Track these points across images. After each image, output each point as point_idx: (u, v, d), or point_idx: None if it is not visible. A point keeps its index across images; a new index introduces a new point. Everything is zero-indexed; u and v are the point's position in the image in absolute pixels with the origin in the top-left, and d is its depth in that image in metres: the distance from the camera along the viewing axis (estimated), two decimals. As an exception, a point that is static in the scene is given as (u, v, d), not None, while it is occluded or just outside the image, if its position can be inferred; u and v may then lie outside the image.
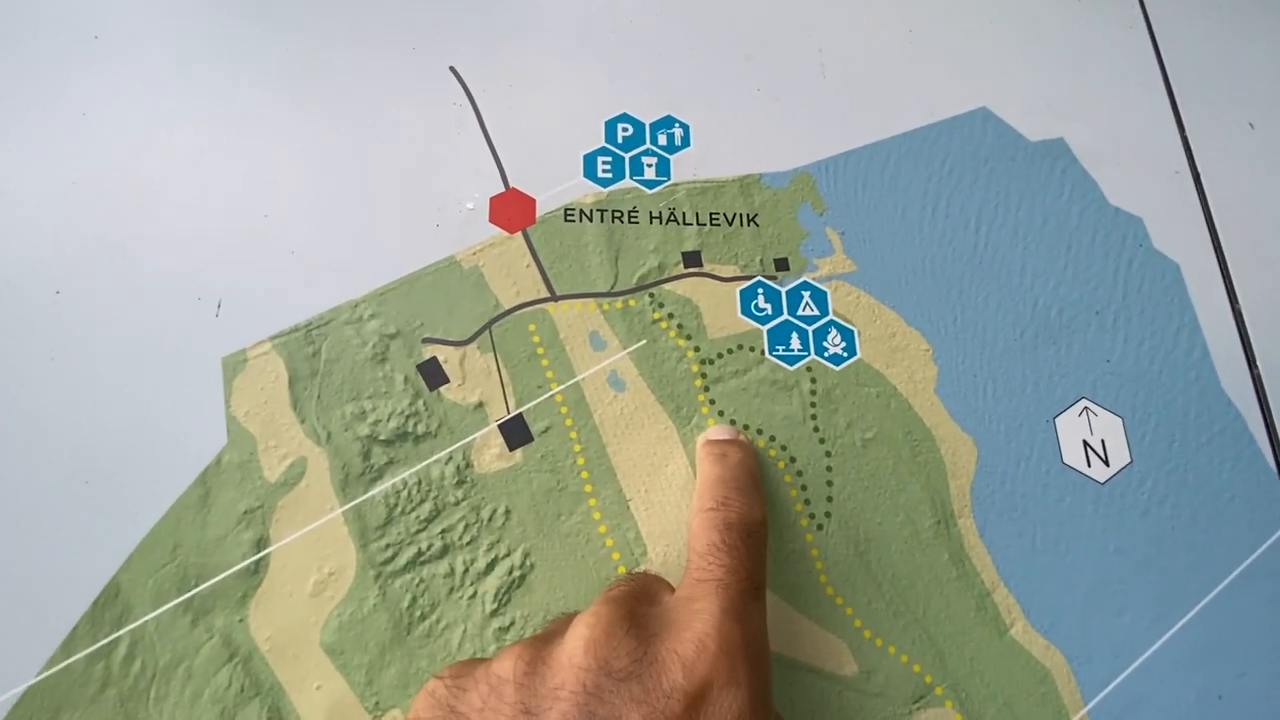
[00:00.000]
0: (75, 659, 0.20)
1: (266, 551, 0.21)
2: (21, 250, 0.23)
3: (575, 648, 0.16)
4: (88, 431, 0.22)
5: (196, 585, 0.21)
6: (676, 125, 0.28)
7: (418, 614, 0.21)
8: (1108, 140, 0.30)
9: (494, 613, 0.21)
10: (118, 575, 0.20)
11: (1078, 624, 0.23)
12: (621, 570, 0.22)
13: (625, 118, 0.28)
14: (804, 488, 0.24)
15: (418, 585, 0.21)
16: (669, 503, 0.23)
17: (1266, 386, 0.27)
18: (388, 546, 0.22)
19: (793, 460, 0.24)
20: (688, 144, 0.28)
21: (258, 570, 0.21)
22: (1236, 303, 0.28)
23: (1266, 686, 0.23)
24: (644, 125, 0.28)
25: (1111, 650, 0.23)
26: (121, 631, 0.20)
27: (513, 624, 0.21)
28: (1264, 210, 0.30)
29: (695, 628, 0.17)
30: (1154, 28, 0.33)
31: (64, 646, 0.20)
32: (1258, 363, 0.27)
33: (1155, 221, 0.29)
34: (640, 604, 0.18)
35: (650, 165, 0.27)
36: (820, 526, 0.23)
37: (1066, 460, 0.25)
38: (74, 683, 0.20)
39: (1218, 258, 0.29)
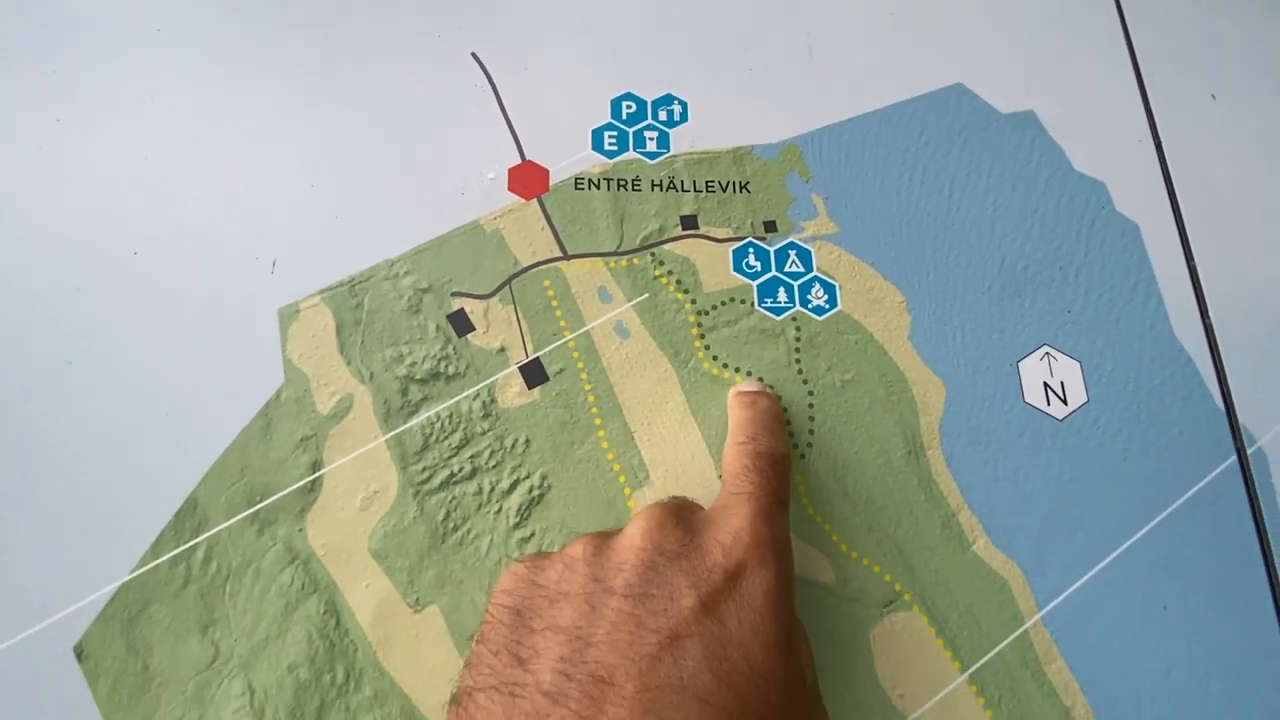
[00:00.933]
0: (161, 560, 0.23)
1: (320, 473, 0.24)
2: (102, 218, 0.27)
3: (634, 534, 0.20)
4: (167, 372, 0.25)
5: (262, 500, 0.24)
6: (675, 102, 0.31)
7: (451, 526, 0.24)
8: (1075, 112, 0.32)
9: (516, 525, 0.25)
10: (195, 491, 0.24)
11: (1034, 542, 0.26)
12: (627, 491, 0.25)
13: (629, 96, 0.31)
14: (788, 422, 0.27)
15: (451, 502, 0.25)
16: (668, 434, 0.26)
17: (1217, 334, 0.30)
18: (424, 469, 0.25)
19: (779, 398, 0.27)
20: (686, 119, 0.31)
21: (313, 489, 0.24)
22: (1192, 259, 0.31)
23: (1207, 598, 0.26)
24: (646, 103, 0.31)
25: (1064, 565, 0.26)
26: (200, 538, 0.24)
27: (533, 535, 0.25)
28: (1221, 175, 0.32)
29: (732, 524, 0.21)
30: (1122, 6, 0.35)
31: (152, 550, 0.23)
32: (1210, 313, 0.30)
33: (1118, 186, 0.31)
34: (684, 511, 0.21)
35: (652, 139, 0.30)
36: (803, 455, 0.26)
37: (1028, 399, 0.28)
38: (160, 580, 0.23)
39: (1175, 219, 0.31)
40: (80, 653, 0.22)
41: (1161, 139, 0.32)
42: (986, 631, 0.25)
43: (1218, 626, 0.26)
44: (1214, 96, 0.34)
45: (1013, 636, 0.25)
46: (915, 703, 0.24)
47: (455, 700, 0.18)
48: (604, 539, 0.20)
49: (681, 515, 0.21)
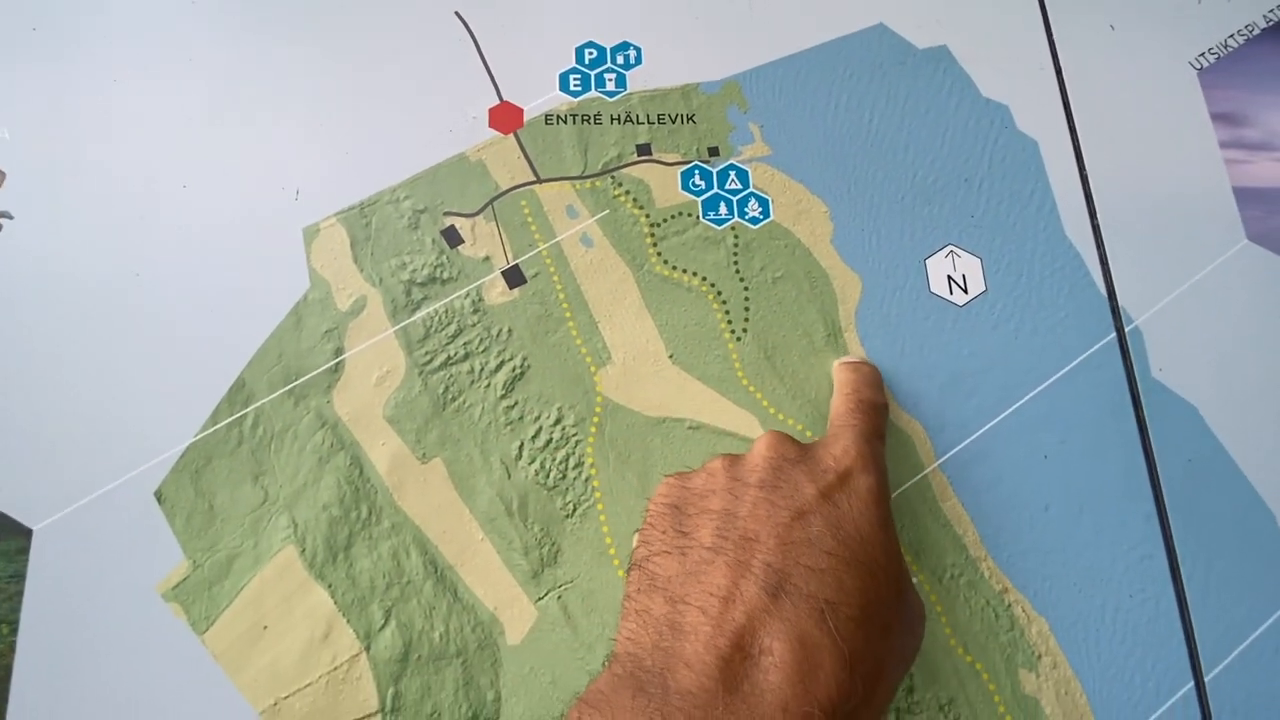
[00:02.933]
0: (219, 426, 0.29)
1: (342, 357, 0.30)
2: (158, 160, 0.33)
3: (761, 447, 0.26)
4: (217, 280, 0.31)
5: (296, 380, 0.30)
6: (631, 48, 0.36)
7: (449, 397, 0.30)
8: (984, 44, 0.37)
9: (502, 396, 0.30)
10: (243, 373, 0.30)
11: (935, 405, 0.31)
12: (593, 369, 0.31)
13: (591, 44, 0.36)
14: (728, 312, 0.32)
15: (449, 379, 0.30)
16: (626, 323, 0.31)
17: (1103, 232, 0.34)
18: (426, 353, 0.30)
19: (719, 293, 0.32)
20: (640, 63, 0.35)
21: (337, 370, 0.30)
22: (1084, 170, 0.35)
23: (1082, 448, 0.31)
24: (606, 49, 0.36)
25: (960, 423, 0.31)
26: (248, 409, 0.29)
27: (516, 404, 0.30)
28: (1115, 97, 0.36)
29: (841, 443, 0.26)
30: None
31: (211, 418, 0.29)
32: (1097, 215, 0.34)
33: (1020, 108, 0.36)
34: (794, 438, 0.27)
35: (611, 79, 0.35)
36: (739, 339, 0.32)
37: (933, 290, 0.33)
38: (219, 441, 0.29)
39: (1071, 136, 0.36)
40: (160, 496, 0.28)
41: (1062, 65, 0.37)
42: (893, 476, 0.30)
43: (1092, 471, 0.31)
44: (1113, 27, 0.38)
45: (914, 479, 0.30)
46: (830, 531, 0.30)
47: (636, 565, 0.24)
48: (736, 456, 0.26)
49: (796, 440, 0.26)
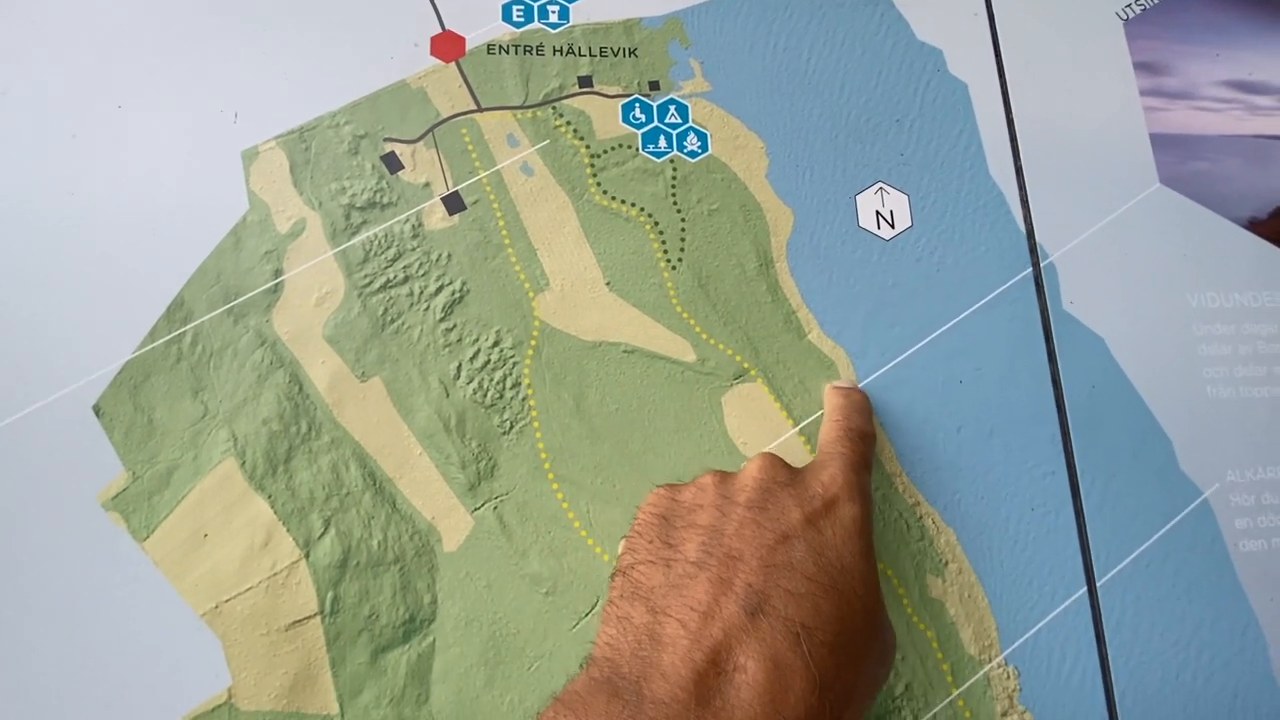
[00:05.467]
0: (157, 343, 0.29)
1: (281, 279, 0.31)
2: (88, 77, 0.32)
3: (752, 468, 0.26)
4: (156, 200, 0.31)
5: (236, 299, 0.30)
6: (575, -19, 0.36)
7: (389, 319, 0.31)
8: (921, -10, 0.38)
9: (441, 320, 0.31)
10: (182, 291, 0.30)
11: (859, 333, 0.33)
12: (531, 294, 0.32)
13: (535, -24, 0.36)
14: (664, 241, 0.33)
15: (388, 301, 0.31)
16: (565, 251, 0.32)
17: (1025, 174, 0.36)
18: (366, 276, 0.31)
19: (656, 224, 0.33)
20: (584, -4, 0.36)
21: (276, 290, 0.30)
22: (1010, 113, 0.36)
23: (995, 375, 0.33)
24: (549, -18, 0.36)
25: (881, 350, 0.33)
26: (187, 327, 0.30)
27: (455, 327, 0.31)
28: (1044, 44, 0.38)
29: (829, 470, 0.26)
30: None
31: (149, 335, 0.29)
32: (1020, 156, 0.36)
33: (952, 52, 0.37)
34: (786, 461, 0.28)
35: (554, 11, 0.35)
36: (674, 267, 0.33)
37: (861, 224, 0.34)
38: (157, 357, 0.29)
39: (1000, 80, 0.37)
40: (98, 410, 0.29)
41: (994, 12, 0.38)
42: (816, 398, 0.32)
43: (1003, 395, 0.33)
44: (1045, -23, 0.39)
45: (836, 402, 0.32)
46: (755, 447, 0.31)
47: (620, 572, 0.24)
48: (727, 473, 0.27)
49: (787, 464, 0.27)
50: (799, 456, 0.31)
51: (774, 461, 0.27)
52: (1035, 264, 0.35)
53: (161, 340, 0.29)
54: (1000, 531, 0.31)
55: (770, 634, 0.22)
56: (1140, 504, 0.32)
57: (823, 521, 0.24)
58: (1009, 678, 0.30)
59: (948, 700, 0.29)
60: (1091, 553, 0.31)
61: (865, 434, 0.29)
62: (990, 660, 0.30)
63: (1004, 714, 0.29)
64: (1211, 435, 0.33)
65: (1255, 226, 0.37)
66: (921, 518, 0.31)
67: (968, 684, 0.30)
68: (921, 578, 0.30)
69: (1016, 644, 0.30)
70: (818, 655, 0.22)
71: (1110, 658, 0.31)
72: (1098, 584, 0.31)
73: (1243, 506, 0.33)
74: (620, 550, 0.26)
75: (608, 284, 0.32)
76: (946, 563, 0.31)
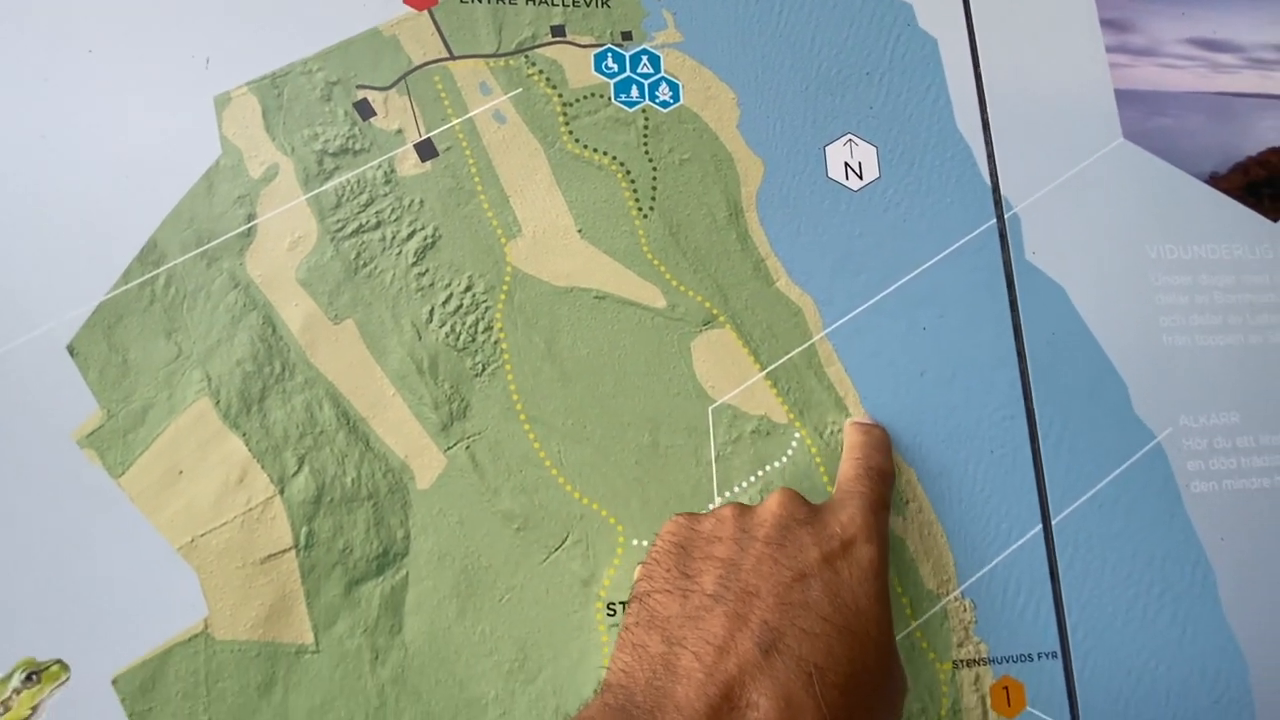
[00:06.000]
0: (131, 285, 0.30)
1: (254, 223, 0.31)
2: (56, 19, 0.32)
3: (772, 504, 0.27)
4: (129, 142, 0.31)
5: (209, 242, 0.30)
6: (548, -69, 0.36)
7: (361, 263, 0.31)
8: (893, -55, 0.38)
9: (414, 264, 0.31)
10: (155, 234, 0.30)
11: (825, 280, 0.34)
12: (503, 241, 0.32)
13: (508, -75, 0.36)
14: (635, 191, 0.33)
15: (360, 245, 0.31)
16: (537, 199, 0.33)
17: (992, 127, 0.36)
18: (338, 221, 0.31)
19: (628, 173, 0.33)
20: (556, -54, 0.36)
21: (249, 234, 0.31)
22: (978, 68, 0.37)
23: (959, 322, 0.34)
24: (522, -69, 0.36)
25: (848, 297, 0.34)
26: (161, 270, 0.30)
27: (427, 271, 0.31)
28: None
29: (848, 510, 0.27)
30: None
31: (123, 277, 0.30)
32: (988, 110, 0.36)
33: (923, 7, 0.37)
34: (805, 498, 0.28)
35: (526, -39, 0.35)
36: (645, 216, 0.33)
37: (830, 175, 0.35)
38: (131, 299, 0.30)
39: (969, 36, 0.37)
40: (73, 350, 0.29)
41: (965, -32, 0.38)
42: (783, 343, 0.33)
43: (965, 342, 0.34)
44: (1016, -66, 0.39)
45: (802, 346, 0.33)
46: (723, 391, 0.32)
47: (636, 598, 0.25)
48: (746, 506, 0.27)
49: (806, 500, 0.27)
50: (765, 401, 0.32)
51: (793, 498, 0.27)
52: (999, 215, 0.35)
53: (135, 282, 0.30)
54: (959, 472, 0.32)
55: (784, 672, 0.22)
56: (1096, 446, 0.33)
57: (840, 562, 0.25)
58: (965, 610, 0.31)
59: (906, 632, 0.30)
60: (1047, 492, 0.32)
61: (884, 473, 0.29)
62: (947, 594, 0.31)
63: (960, 645, 0.31)
64: (1166, 381, 0.34)
65: (1216, 181, 0.37)
66: (884, 458, 0.32)
67: (925, 616, 0.31)
68: (883, 516, 0.31)
69: (973, 579, 0.31)
70: (829, 696, 0.22)
71: (1063, 592, 0.32)
72: (1053, 522, 0.32)
73: (1195, 450, 0.34)
74: (636, 575, 0.26)
75: (579, 231, 0.33)
76: (907, 501, 0.32)
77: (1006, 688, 0.31)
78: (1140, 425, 0.34)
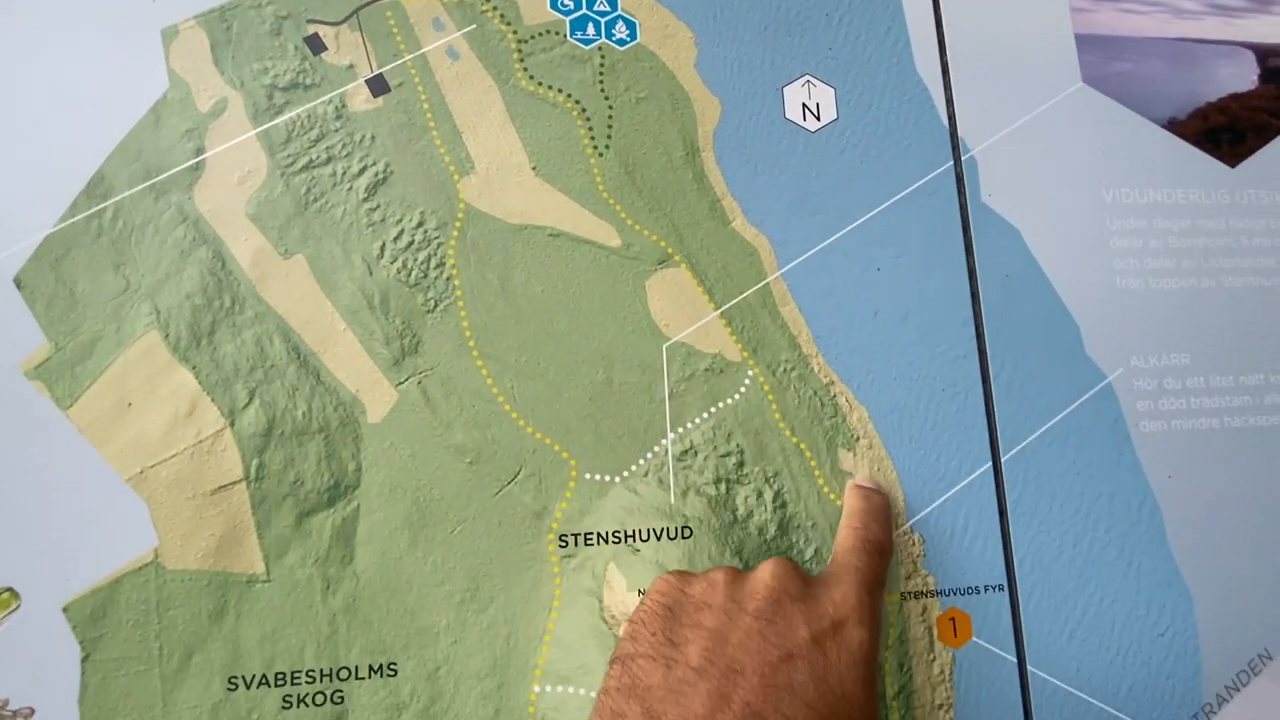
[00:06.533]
0: (78, 218, 0.29)
1: (203, 157, 0.31)
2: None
3: (765, 574, 0.26)
4: (75, 76, 0.30)
5: (157, 175, 0.30)
6: None
7: (311, 198, 0.31)
8: (856, -115, 0.38)
9: (365, 199, 0.31)
10: (102, 168, 0.30)
11: (781, 221, 0.34)
12: (456, 177, 0.32)
13: None
14: (591, 128, 0.33)
15: (311, 181, 0.31)
16: (490, 135, 0.33)
17: (950, 70, 0.36)
18: (288, 156, 0.31)
19: (583, 110, 0.33)
20: (513, -118, 0.35)
21: (198, 168, 0.30)
22: (938, 9, 0.37)
23: (913, 263, 0.34)
24: None
25: (803, 238, 0.34)
26: (108, 203, 0.30)
27: (378, 207, 0.31)
28: (975, -58, 0.38)
29: (842, 588, 0.26)
30: None
31: (70, 210, 0.29)
32: (947, 53, 0.36)
33: (884, -52, 0.37)
34: (801, 571, 0.27)
35: (481, -104, 0.35)
36: (601, 154, 0.33)
37: (788, 116, 0.35)
38: (78, 232, 0.29)
39: (931, -23, 0.37)
40: (19, 282, 0.29)
41: (927, -90, 0.38)
42: (737, 283, 0.33)
43: (919, 282, 0.34)
44: (981, -124, 0.39)
45: (757, 286, 0.33)
46: (677, 330, 0.32)
47: (619, 660, 0.24)
48: (739, 572, 0.27)
49: (801, 573, 0.27)
50: (719, 340, 0.32)
51: (788, 570, 0.26)
52: (956, 158, 0.35)
53: (82, 215, 0.29)
54: (911, 410, 0.33)
55: None
56: (1047, 386, 0.34)
57: (829, 643, 0.24)
58: (914, 544, 0.31)
59: (855, 564, 0.31)
60: (998, 430, 0.33)
61: (882, 547, 0.29)
62: (897, 528, 0.31)
63: (908, 577, 0.31)
64: (1119, 323, 0.35)
65: (1174, 127, 0.38)
66: (835, 396, 0.32)
67: (874, 549, 0.31)
68: (833, 451, 0.32)
69: (922, 513, 0.32)
70: None
71: (1011, 527, 0.32)
72: (1002, 459, 0.33)
73: (1145, 390, 0.34)
74: (622, 634, 0.26)
75: (534, 169, 0.32)
76: (858, 438, 0.32)
77: (953, 619, 0.31)
78: (1091, 365, 0.34)
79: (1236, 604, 0.33)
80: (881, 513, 0.30)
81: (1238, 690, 0.32)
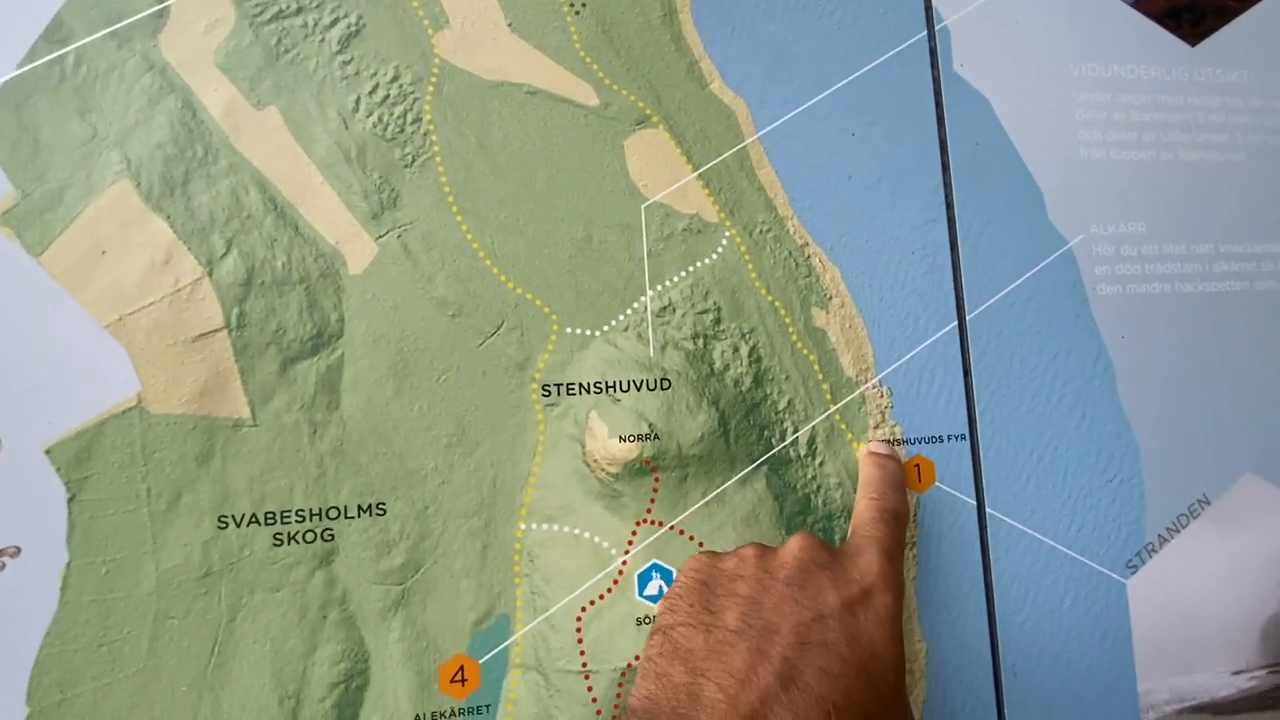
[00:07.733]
0: (38, 64, 0.28)
1: (166, 4, 0.30)
2: None
3: (794, 546, 0.27)
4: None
5: (119, 21, 0.29)
6: None
7: (283, 50, 0.30)
8: None
9: (338, 52, 0.31)
10: (60, 12, 0.29)
11: (758, 85, 0.34)
12: (430, 32, 0.31)
13: None
14: (567, -12, 0.33)
15: (281, 31, 0.30)
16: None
17: (926, -60, 0.36)
18: (257, 5, 0.30)
19: (902, 463, 0.32)
20: None
21: (161, 15, 0.30)
22: (916, -122, 0.37)
23: (885, 129, 0.35)
24: None
25: (780, 101, 0.34)
26: (69, 49, 0.29)
27: (351, 60, 0.31)
28: None
29: (866, 557, 0.27)
30: None
31: (28, 56, 0.28)
32: (923, -78, 0.36)
33: None
34: (825, 543, 0.28)
35: None
36: (578, 12, 0.33)
37: (765, -20, 0.35)
38: (39, 78, 0.28)
39: None
40: (-21, 128, 0.28)
41: None
42: (715, 146, 0.33)
43: (892, 148, 0.35)
44: None
45: (735, 149, 0.33)
46: (655, 190, 0.32)
47: (659, 631, 0.25)
48: (768, 547, 0.28)
49: (825, 544, 0.28)
50: (697, 201, 0.32)
51: (813, 542, 0.27)
52: (930, 27, 0.36)
53: (42, 60, 0.28)
54: (882, 271, 0.34)
55: (803, 707, 0.23)
56: (1011, 249, 0.35)
57: (858, 608, 0.26)
58: (882, 396, 0.33)
59: (826, 414, 0.32)
60: (964, 291, 0.34)
61: (900, 515, 0.30)
62: (866, 381, 0.33)
63: (876, 426, 0.33)
64: (1081, 192, 0.36)
65: (1140, 4, 0.38)
66: (809, 256, 0.33)
67: (845, 401, 0.33)
68: (807, 309, 0.33)
69: (891, 368, 0.33)
70: None
71: (973, 380, 0.34)
72: (967, 318, 0.34)
73: (1103, 255, 0.36)
74: (659, 609, 0.27)
75: (509, 25, 0.32)
76: (830, 297, 0.33)
77: (918, 465, 0.33)
78: (1054, 231, 0.35)
79: (1179, 454, 0.35)
80: (897, 480, 0.31)
81: (1178, 531, 0.35)
